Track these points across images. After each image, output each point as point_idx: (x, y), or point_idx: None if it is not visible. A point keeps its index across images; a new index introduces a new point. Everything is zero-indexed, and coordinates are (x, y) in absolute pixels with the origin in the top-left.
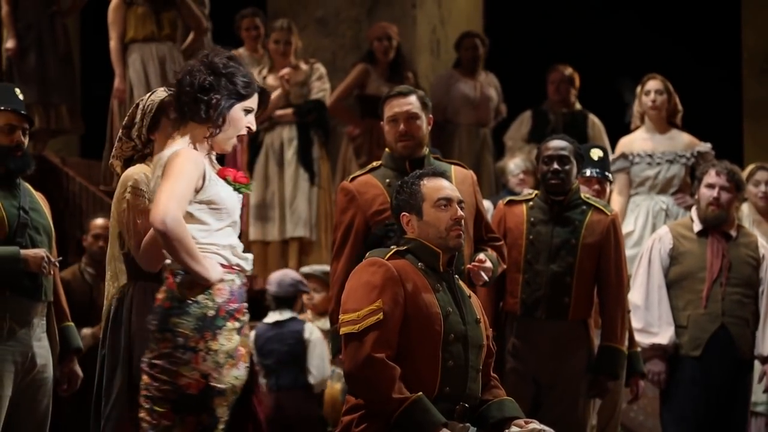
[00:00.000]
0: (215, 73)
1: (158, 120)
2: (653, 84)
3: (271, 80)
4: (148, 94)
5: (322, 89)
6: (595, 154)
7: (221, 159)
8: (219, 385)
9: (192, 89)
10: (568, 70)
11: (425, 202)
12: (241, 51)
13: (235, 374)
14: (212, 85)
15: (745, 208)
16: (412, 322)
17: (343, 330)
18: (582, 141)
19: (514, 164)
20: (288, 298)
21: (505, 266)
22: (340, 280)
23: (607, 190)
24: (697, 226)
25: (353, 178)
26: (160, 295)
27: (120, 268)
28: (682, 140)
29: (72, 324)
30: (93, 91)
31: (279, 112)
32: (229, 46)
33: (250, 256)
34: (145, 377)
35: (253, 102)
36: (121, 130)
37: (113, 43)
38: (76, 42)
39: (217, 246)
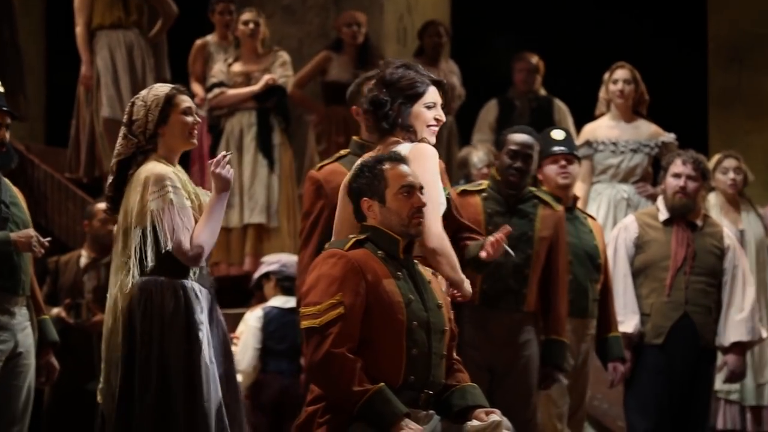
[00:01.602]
0: (387, 86)
1: (167, 114)
2: (621, 73)
3: (237, 68)
4: (147, 90)
5: (284, 75)
6: (558, 134)
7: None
8: None
9: (373, 108)
10: (535, 59)
11: (389, 189)
12: (209, 38)
13: None
14: (386, 99)
15: (712, 198)
16: (374, 312)
17: (304, 324)
18: (547, 127)
19: (478, 158)
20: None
21: None
22: (304, 270)
23: (575, 168)
24: (662, 215)
25: (321, 167)
26: None
27: (124, 263)
28: (646, 130)
29: (48, 317)
30: (59, 78)
31: (237, 93)
32: (196, 33)
33: None
34: None
35: (431, 96)
36: (122, 129)
37: (80, 29)
38: (41, 28)
39: None
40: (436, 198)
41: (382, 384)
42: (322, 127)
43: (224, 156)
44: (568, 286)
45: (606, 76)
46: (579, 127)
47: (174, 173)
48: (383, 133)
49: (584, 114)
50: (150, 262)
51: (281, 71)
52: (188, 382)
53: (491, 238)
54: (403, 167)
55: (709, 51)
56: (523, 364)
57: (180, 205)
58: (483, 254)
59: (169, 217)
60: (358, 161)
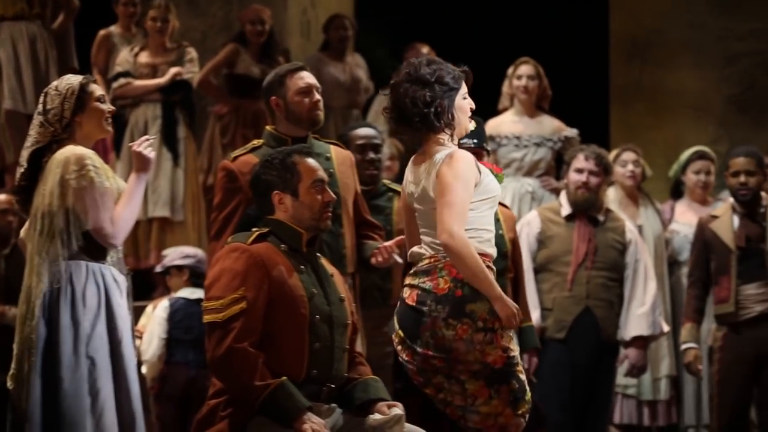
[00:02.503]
0: (427, 84)
1: (84, 102)
2: (525, 69)
3: (143, 58)
4: (59, 80)
5: (191, 71)
6: (470, 125)
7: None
8: (515, 354)
9: (419, 108)
10: (425, 49)
11: (302, 183)
12: (113, 29)
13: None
14: (432, 96)
15: (611, 192)
16: (277, 306)
17: (206, 318)
18: None
19: None
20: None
21: None
22: None
23: (486, 161)
24: (565, 210)
25: (235, 158)
26: (443, 284)
27: (45, 246)
28: (549, 124)
29: None
30: None
31: (143, 84)
32: (99, 25)
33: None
34: (436, 362)
35: (465, 87)
36: (37, 118)
37: None
38: None
39: (486, 231)
40: (460, 200)
41: (285, 378)
42: (227, 120)
43: (147, 138)
44: None
45: (510, 71)
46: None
47: (94, 154)
48: (426, 132)
49: (487, 108)
50: (75, 243)
51: (189, 67)
52: (114, 368)
53: (382, 244)
54: (313, 161)
55: (611, 47)
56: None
57: (101, 185)
58: (373, 260)
59: (91, 196)
60: (266, 155)
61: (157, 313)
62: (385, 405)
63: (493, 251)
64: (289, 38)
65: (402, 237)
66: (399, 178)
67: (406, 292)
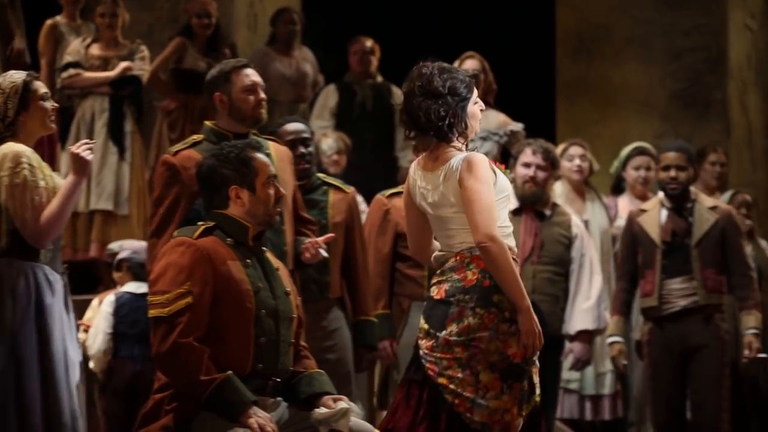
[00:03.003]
0: (440, 96)
1: (27, 101)
2: (471, 63)
3: (94, 50)
4: (2, 77)
5: (142, 68)
6: None
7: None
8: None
9: (433, 123)
10: (369, 42)
11: (258, 178)
12: (59, 19)
13: None
14: (446, 109)
15: (558, 187)
16: (222, 300)
17: (152, 312)
18: (388, 113)
19: (327, 145)
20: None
21: None
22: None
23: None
24: (512, 205)
25: (176, 152)
26: (470, 276)
27: None
28: (495, 119)
29: None
30: None
31: (92, 77)
32: (43, 15)
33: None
34: (457, 349)
35: (475, 94)
36: None
37: None
38: None
39: (506, 229)
40: (487, 203)
41: (230, 372)
42: (176, 115)
43: (87, 142)
44: (431, 270)
45: (455, 65)
46: None
47: (32, 153)
48: (442, 142)
49: None
50: (4, 240)
51: (140, 64)
52: (41, 368)
53: (310, 240)
54: (265, 157)
55: (557, 41)
56: (337, 350)
57: (33, 184)
58: (302, 257)
59: (21, 194)
60: (216, 148)
61: (103, 307)
62: (331, 399)
63: (515, 247)
64: (236, 32)
65: (331, 234)
66: (346, 172)
67: (434, 290)
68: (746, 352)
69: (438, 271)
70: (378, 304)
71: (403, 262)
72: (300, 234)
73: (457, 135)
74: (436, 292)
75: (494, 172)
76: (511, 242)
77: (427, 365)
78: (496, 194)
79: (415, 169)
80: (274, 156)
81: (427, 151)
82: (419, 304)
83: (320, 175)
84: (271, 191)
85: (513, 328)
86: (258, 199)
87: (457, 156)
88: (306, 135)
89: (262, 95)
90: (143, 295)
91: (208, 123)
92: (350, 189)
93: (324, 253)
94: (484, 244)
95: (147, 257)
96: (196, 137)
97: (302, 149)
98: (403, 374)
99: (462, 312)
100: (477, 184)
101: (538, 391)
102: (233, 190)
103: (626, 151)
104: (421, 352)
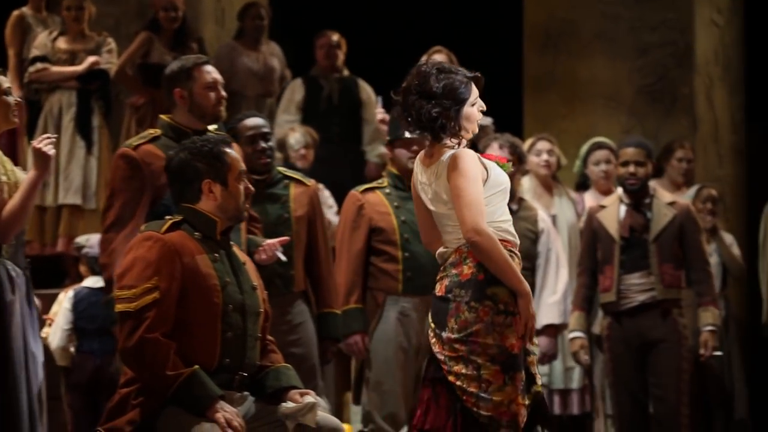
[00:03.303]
0: (434, 97)
1: None
2: (439, 57)
3: (61, 44)
4: None
5: (110, 62)
6: None
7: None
8: (530, 345)
9: (424, 123)
10: (336, 36)
11: (230, 173)
12: (25, 10)
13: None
14: (438, 112)
15: (525, 182)
16: (190, 295)
17: (118, 307)
18: (355, 107)
19: (295, 139)
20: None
21: None
22: (118, 252)
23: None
24: None
25: (136, 146)
26: (466, 270)
27: None
28: None
29: None
30: None
31: (60, 71)
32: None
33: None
34: (458, 346)
35: (474, 95)
36: None
37: None
38: None
39: (505, 222)
40: (472, 197)
41: (197, 367)
42: (144, 111)
43: (49, 137)
44: (405, 264)
45: (423, 59)
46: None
47: None
48: (436, 139)
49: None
50: None
51: (107, 57)
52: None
53: (266, 242)
54: (236, 153)
55: (525, 36)
56: (302, 344)
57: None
58: (256, 257)
59: None
60: (185, 142)
61: (63, 303)
62: (298, 393)
63: (515, 239)
64: (204, 26)
65: (286, 238)
66: (314, 166)
67: (437, 287)
68: (701, 351)
69: (441, 267)
70: (351, 298)
71: (378, 257)
72: (248, 232)
73: (449, 136)
74: (438, 289)
75: (485, 166)
76: (510, 237)
77: (441, 364)
78: (488, 188)
79: (417, 164)
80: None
81: (426, 147)
82: (394, 298)
83: (281, 168)
84: (242, 186)
85: (508, 319)
86: (230, 193)
87: (448, 153)
88: (266, 130)
89: (223, 93)
90: (102, 290)
91: (164, 117)
92: (311, 182)
93: (281, 256)
94: (472, 239)
95: (100, 252)
96: (153, 132)
97: (263, 144)
98: (424, 374)
99: (459, 307)
100: (461, 180)
101: (539, 381)
102: (206, 184)
103: (585, 148)
104: (433, 350)
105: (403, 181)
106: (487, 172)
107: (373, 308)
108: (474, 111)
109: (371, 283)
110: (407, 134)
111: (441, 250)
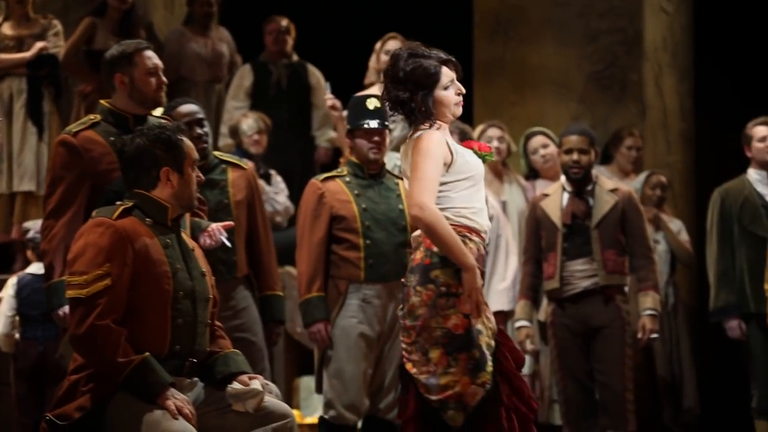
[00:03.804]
0: (402, 82)
1: None
2: (394, 44)
3: (6, 30)
4: None
5: (57, 45)
6: (371, 103)
7: None
8: (478, 325)
9: (393, 107)
10: (285, 21)
11: (186, 161)
12: None
13: (488, 317)
14: (407, 97)
15: None
16: (141, 281)
17: (69, 293)
18: (304, 92)
19: (248, 125)
20: None
21: None
22: (59, 239)
23: (387, 140)
24: None
25: (76, 133)
26: (417, 255)
27: None
28: None
29: None
30: None
31: (8, 58)
32: None
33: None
34: (411, 331)
35: (445, 78)
36: None
37: None
38: None
39: (469, 209)
40: (424, 174)
41: (148, 354)
42: (93, 98)
43: None
44: (367, 251)
45: (377, 46)
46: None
47: None
48: (409, 123)
49: (354, 83)
50: None
51: (54, 41)
52: None
53: (210, 227)
54: (189, 141)
55: (475, 23)
56: (246, 329)
57: None
58: (201, 241)
59: None
60: (141, 129)
61: (6, 290)
62: (247, 377)
63: (478, 226)
64: (153, 11)
65: (230, 222)
66: (268, 153)
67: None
68: (639, 334)
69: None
70: (313, 287)
71: (339, 245)
72: (193, 215)
73: (422, 120)
74: (402, 277)
75: (452, 151)
76: (473, 224)
77: (403, 352)
78: (452, 173)
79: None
80: None
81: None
82: (356, 286)
83: (216, 153)
84: (194, 174)
85: (451, 301)
86: (185, 182)
87: (418, 133)
88: (200, 116)
89: (164, 78)
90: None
91: (104, 103)
92: (248, 165)
93: (226, 242)
94: (414, 213)
95: (42, 238)
96: (93, 117)
97: (198, 130)
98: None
99: (408, 293)
100: (418, 157)
101: (489, 366)
102: (165, 172)
103: (521, 143)
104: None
105: (363, 170)
106: (452, 157)
107: (335, 296)
108: (448, 95)
109: (333, 271)
110: (366, 124)
111: (414, 235)
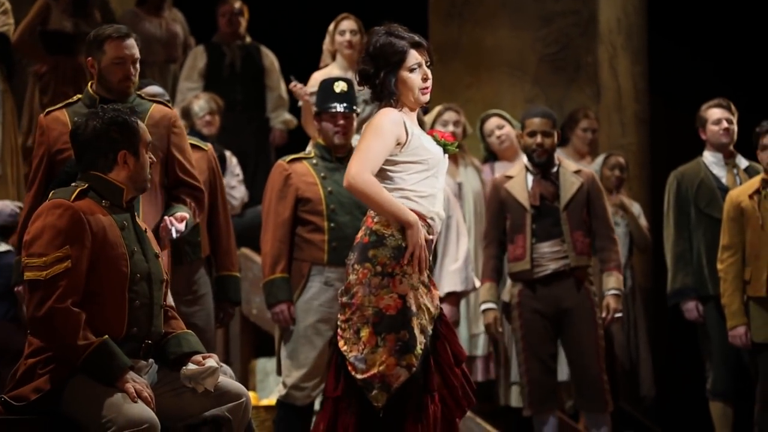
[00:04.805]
0: (372, 57)
1: None
2: (347, 24)
3: None
4: None
5: (6, 24)
6: (339, 87)
7: None
8: (413, 307)
9: (363, 79)
10: (238, 3)
11: (141, 143)
12: None
13: (427, 301)
14: (373, 71)
15: None
16: (99, 263)
17: (28, 275)
18: (258, 74)
19: (199, 106)
20: (5, 230)
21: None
22: (25, 213)
23: (354, 124)
24: None
25: (48, 113)
26: (359, 234)
27: None
28: None
29: None
30: None
31: None
32: None
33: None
34: (346, 309)
35: (412, 59)
36: None
37: None
38: None
39: (415, 193)
40: (370, 148)
41: (106, 337)
42: (47, 79)
43: None
44: (331, 234)
45: (331, 27)
46: (302, 77)
47: None
48: (377, 100)
49: (309, 65)
50: None
51: (3, 19)
52: None
53: (166, 217)
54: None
55: (430, 4)
56: (201, 317)
57: None
58: (160, 234)
59: None
60: (96, 111)
61: None
62: (201, 357)
63: (424, 211)
64: None
65: (184, 215)
66: (222, 134)
67: None
68: (603, 314)
69: None
70: (277, 268)
71: (304, 227)
72: (179, 201)
73: (384, 98)
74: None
75: (407, 131)
76: (420, 209)
77: (338, 330)
78: (405, 154)
79: None
80: (150, 119)
81: None
82: (319, 269)
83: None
84: (147, 156)
85: (385, 281)
86: (140, 165)
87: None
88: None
89: (132, 70)
90: (5, 253)
91: (90, 89)
92: (208, 146)
93: (174, 234)
94: (349, 182)
95: (23, 213)
96: (74, 98)
97: None
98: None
99: (347, 271)
100: (368, 131)
101: (419, 346)
102: (122, 155)
103: (477, 126)
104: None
105: (330, 152)
106: (407, 138)
107: (298, 278)
108: (412, 77)
109: (296, 253)
110: (333, 108)
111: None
